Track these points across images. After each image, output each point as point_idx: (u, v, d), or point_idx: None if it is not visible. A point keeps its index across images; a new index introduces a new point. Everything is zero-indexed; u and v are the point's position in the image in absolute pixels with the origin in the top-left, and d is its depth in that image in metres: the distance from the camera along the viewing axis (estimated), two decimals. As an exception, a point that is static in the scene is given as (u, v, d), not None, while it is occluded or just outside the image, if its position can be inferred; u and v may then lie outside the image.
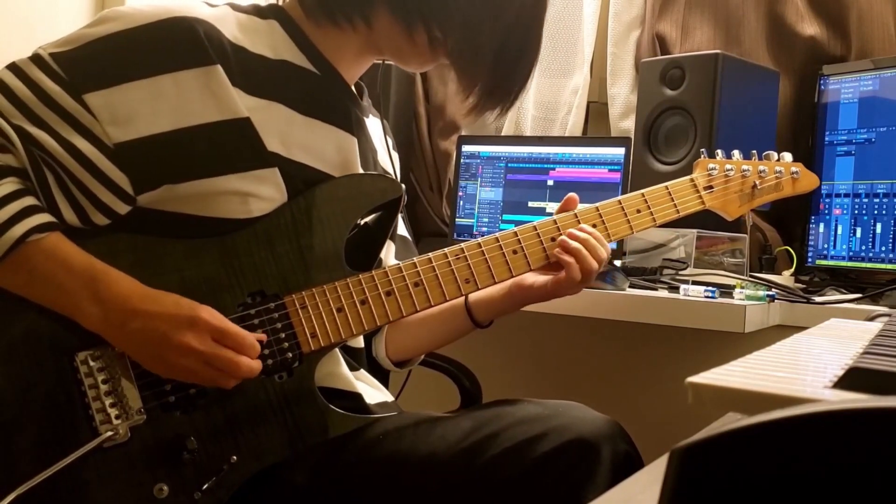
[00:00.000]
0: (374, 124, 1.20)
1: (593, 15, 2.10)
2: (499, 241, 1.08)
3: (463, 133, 2.19)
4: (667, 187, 1.19)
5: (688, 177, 1.23)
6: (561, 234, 1.11)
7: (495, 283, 1.08)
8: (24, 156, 0.91)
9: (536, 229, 1.10)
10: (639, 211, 1.16)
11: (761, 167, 1.28)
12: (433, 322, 1.22)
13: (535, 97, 2.20)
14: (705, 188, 1.23)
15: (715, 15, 1.96)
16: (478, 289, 1.07)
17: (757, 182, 1.27)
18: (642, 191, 1.18)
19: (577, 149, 1.83)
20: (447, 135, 2.21)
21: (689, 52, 1.78)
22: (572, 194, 1.15)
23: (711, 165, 1.25)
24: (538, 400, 1.03)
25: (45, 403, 0.91)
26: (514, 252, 1.08)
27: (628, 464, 0.95)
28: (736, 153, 1.28)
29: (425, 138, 2.20)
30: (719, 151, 1.27)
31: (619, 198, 1.16)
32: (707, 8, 1.97)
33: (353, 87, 1.11)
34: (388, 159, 1.22)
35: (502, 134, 2.22)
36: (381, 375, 1.26)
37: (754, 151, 1.29)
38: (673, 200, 1.19)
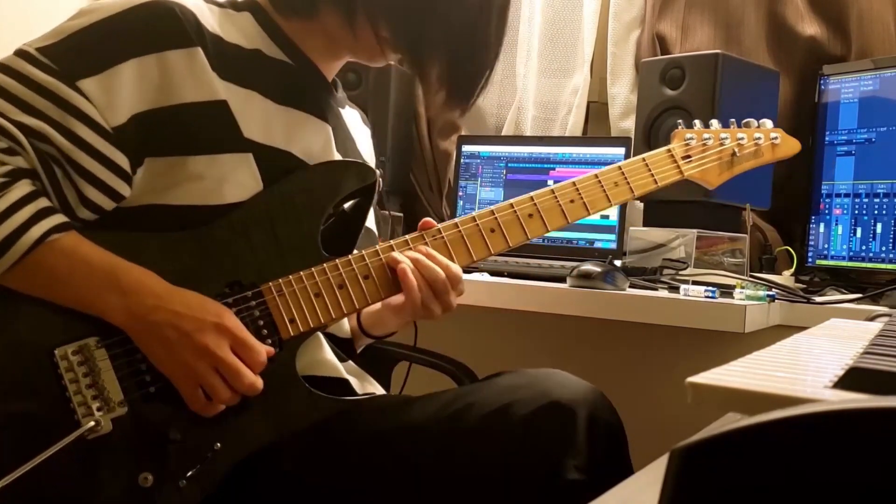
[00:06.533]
0: (351, 115, 1.22)
1: (593, 15, 2.10)
2: (476, 221, 1.08)
3: (463, 133, 2.19)
4: (644, 159, 1.18)
5: (665, 147, 1.22)
6: (538, 210, 1.10)
7: (474, 261, 1.08)
8: (33, 155, 0.92)
9: (513, 206, 1.10)
10: (616, 184, 1.15)
11: (740, 134, 1.26)
12: None
13: (535, 97, 2.20)
14: (683, 158, 1.22)
15: (715, 15, 1.96)
16: None
17: (736, 150, 1.25)
18: (619, 164, 1.17)
19: (577, 149, 1.83)
20: (447, 135, 2.21)
21: (689, 52, 1.78)
22: (426, 220, 1.10)
23: (689, 135, 1.24)
24: (520, 370, 1.04)
25: (26, 400, 0.92)
26: (492, 230, 1.08)
27: (609, 434, 0.95)
28: (714, 122, 1.27)
29: (425, 138, 2.20)
30: (697, 122, 1.26)
31: (596, 171, 1.15)
32: (707, 8, 1.97)
33: (327, 78, 1.12)
34: (370, 149, 1.24)
35: (502, 134, 2.22)
36: (380, 375, 1.26)
37: (733, 120, 1.28)
38: (650, 171, 1.18)
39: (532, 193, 1.11)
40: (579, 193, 1.13)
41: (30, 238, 0.90)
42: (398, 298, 1.08)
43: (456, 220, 1.08)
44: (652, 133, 1.68)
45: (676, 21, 1.98)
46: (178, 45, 0.96)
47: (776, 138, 1.29)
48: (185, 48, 0.96)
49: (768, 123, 1.30)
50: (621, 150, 1.77)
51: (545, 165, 1.86)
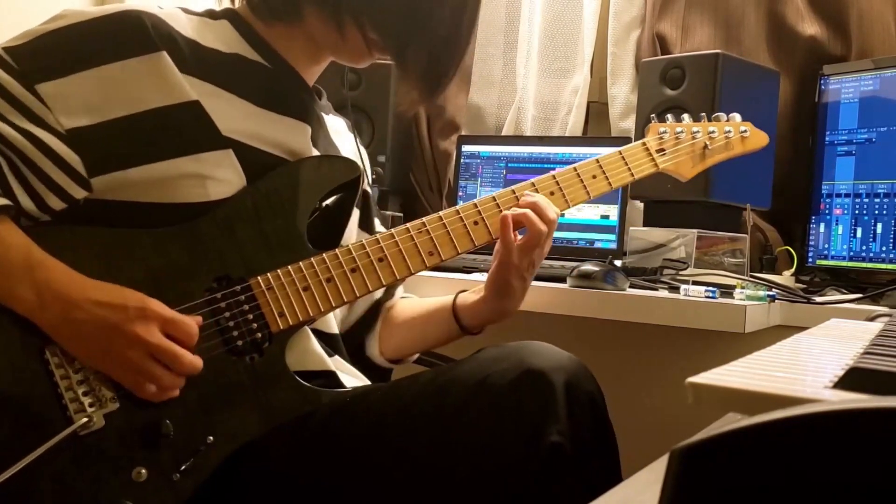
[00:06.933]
0: (336, 122, 1.23)
1: (593, 15, 2.10)
2: (459, 213, 1.10)
3: (463, 133, 2.19)
4: (620, 152, 1.22)
5: (640, 141, 1.26)
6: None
7: (458, 254, 1.10)
8: None
9: (496, 199, 1.13)
10: (594, 177, 1.19)
11: (711, 128, 1.30)
12: (421, 323, 1.23)
13: (535, 97, 2.20)
14: (657, 151, 1.25)
15: (715, 15, 1.96)
16: (442, 261, 1.09)
17: (707, 143, 1.29)
18: (596, 157, 1.21)
19: (577, 149, 1.83)
20: (447, 135, 2.21)
21: (690, 52, 1.78)
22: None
23: (662, 129, 1.27)
24: (501, 344, 1.05)
25: (17, 396, 0.92)
26: (475, 223, 1.11)
27: (589, 399, 0.96)
28: (686, 116, 1.30)
29: (425, 138, 2.20)
30: (669, 116, 1.30)
31: (575, 165, 1.19)
32: (707, 8, 1.97)
33: (308, 81, 1.13)
34: (358, 155, 1.24)
35: (502, 134, 2.21)
36: (381, 376, 1.26)
37: (703, 114, 1.32)
38: (627, 164, 1.22)
39: (514, 186, 1.14)
40: (559, 186, 1.16)
41: None
42: (493, 268, 1.11)
43: (440, 213, 1.10)
44: (652, 133, 1.68)
45: (676, 21, 1.98)
46: (141, 51, 0.97)
47: (745, 131, 1.33)
48: (149, 54, 0.97)
49: (737, 117, 1.34)
50: (621, 150, 1.76)
51: (545, 165, 1.85)
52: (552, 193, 1.15)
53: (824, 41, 1.84)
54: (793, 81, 1.86)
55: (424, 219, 1.09)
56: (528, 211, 1.10)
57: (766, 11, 1.90)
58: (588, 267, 1.44)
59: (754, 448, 0.33)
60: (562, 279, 1.47)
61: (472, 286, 1.22)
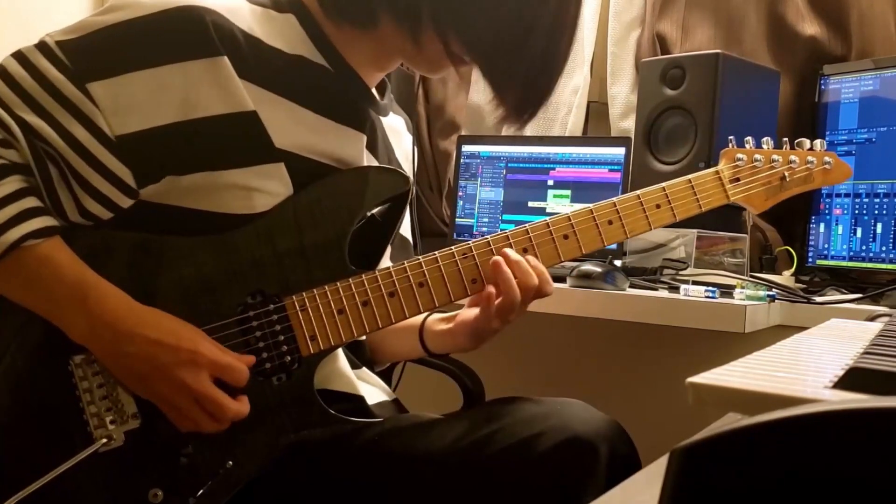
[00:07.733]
0: (396, 121, 1.19)
1: (593, 15, 2.10)
2: (510, 240, 1.04)
3: (463, 133, 2.19)
4: (689, 180, 1.12)
5: (713, 168, 1.16)
6: (574, 230, 1.06)
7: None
8: (27, 151, 0.89)
9: (549, 226, 1.05)
10: (658, 206, 1.09)
11: (792, 157, 1.20)
12: (388, 336, 1.19)
13: (536, 97, 2.20)
14: (731, 181, 1.16)
15: (715, 14, 1.96)
16: (484, 289, 1.02)
17: (786, 174, 1.19)
18: (663, 184, 1.11)
19: (577, 149, 1.83)
20: (447, 135, 2.21)
21: (690, 52, 1.77)
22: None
23: (739, 155, 1.17)
24: (538, 398, 1.02)
25: (39, 407, 0.91)
26: (525, 251, 1.04)
27: (627, 466, 0.94)
28: (766, 141, 1.20)
29: (425, 138, 2.20)
30: (749, 139, 1.19)
31: (639, 192, 1.09)
32: (707, 7, 1.97)
33: (370, 85, 1.08)
34: (410, 156, 1.21)
35: (502, 134, 2.21)
36: (382, 373, 1.26)
37: (786, 139, 1.22)
38: (696, 195, 1.12)
39: (571, 213, 1.06)
40: (619, 215, 1.07)
41: (5, 241, 0.87)
42: (470, 312, 1.05)
43: (489, 237, 1.03)
44: (652, 133, 1.68)
45: (676, 21, 1.98)
46: (200, 54, 0.92)
47: (829, 163, 1.23)
48: (209, 58, 0.92)
49: (819, 145, 1.24)
50: (621, 150, 1.77)
51: (545, 165, 1.86)
52: (611, 223, 1.06)
53: (824, 41, 1.84)
54: (793, 81, 1.86)
55: (471, 242, 1.03)
56: (505, 271, 1.00)
57: (767, 11, 1.90)
58: (588, 267, 1.44)
59: (754, 448, 0.33)
60: (562, 279, 1.47)
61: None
